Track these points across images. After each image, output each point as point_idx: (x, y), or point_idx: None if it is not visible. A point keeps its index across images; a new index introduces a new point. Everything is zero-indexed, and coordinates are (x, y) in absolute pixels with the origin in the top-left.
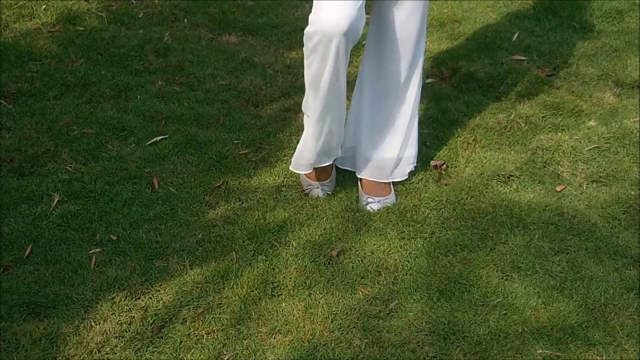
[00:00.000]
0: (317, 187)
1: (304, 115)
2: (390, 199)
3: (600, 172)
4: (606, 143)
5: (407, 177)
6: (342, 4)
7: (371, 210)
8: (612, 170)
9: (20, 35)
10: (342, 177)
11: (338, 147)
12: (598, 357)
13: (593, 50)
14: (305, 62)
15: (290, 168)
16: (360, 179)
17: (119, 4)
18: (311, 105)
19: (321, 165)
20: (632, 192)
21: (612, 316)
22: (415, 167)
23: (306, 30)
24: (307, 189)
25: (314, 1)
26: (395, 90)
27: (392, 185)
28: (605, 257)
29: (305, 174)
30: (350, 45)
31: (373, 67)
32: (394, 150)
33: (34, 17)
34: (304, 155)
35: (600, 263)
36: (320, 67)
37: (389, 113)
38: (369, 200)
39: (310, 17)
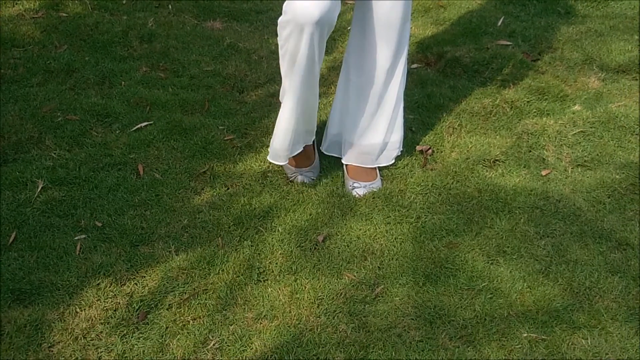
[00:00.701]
0: (301, 174)
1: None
2: (376, 184)
3: (585, 156)
4: (591, 127)
5: (393, 162)
6: None
7: (357, 196)
8: (597, 155)
9: (2, 21)
10: (327, 163)
11: (310, 134)
12: (583, 340)
13: (577, 35)
14: (280, 50)
15: (268, 159)
16: (346, 165)
17: None
18: (287, 91)
19: (297, 153)
20: (617, 176)
21: (597, 299)
22: (401, 152)
23: (280, 19)
24: (292, 176)
25: None
26: (381, 76)
27: (377, 170)
28: (590, 240)
29: (291, 163)
30: (324, 34)
31: (358, 53)
32: (379, 136)
33: (16, 3)
34: (280, 145)
35: (585, 247)
36: (293, 56)
37: (375, 99)
38: (355, 185)
39: (284, 5)
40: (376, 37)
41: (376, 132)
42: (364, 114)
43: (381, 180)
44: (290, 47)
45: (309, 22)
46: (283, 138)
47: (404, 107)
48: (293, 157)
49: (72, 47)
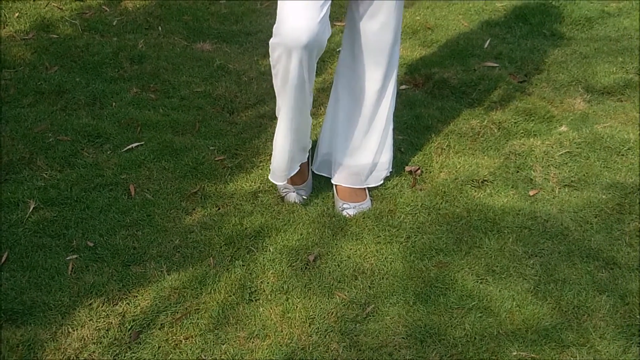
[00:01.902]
0: (293, 191)
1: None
2: (366, 204)
3: (572, 176)
4: (577, 148)
5: (382, 182)
6: (303, 16)
7: (347, 216)
8: (584, 175)
9: None
10: (318, 183)
11: (305, 152)
12: (572, 359)
13: (563, 57)
14: (272, 70)
15: (270, 178)
16: (336, 185)
17: (92, 11)
18: (281, 111)
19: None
20: (603, 196)
21: (585, 318)
22: (390, 172)
23: (270, 41)
24: (284, 193)
25: (277, 13)
26: (370, 98)
27: (367, 191)
28: (578, 260)
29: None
30: (314, 56)
31: (348, 75)
32: (368, 156)
33: (7, 25)
34: (278, 165)
35: (573, 266)
36: (285, 76)
37: (364, 120)
38: (345, 206)
39: (274, 27)
40: (366, 59)
41: (366, 152)
42: (354, 135)
43: (371, 200)
44: (281, 69)
45: (297, 46)
46: (281, 157)
47: (393, 128)
48: None
49: (63, 69)
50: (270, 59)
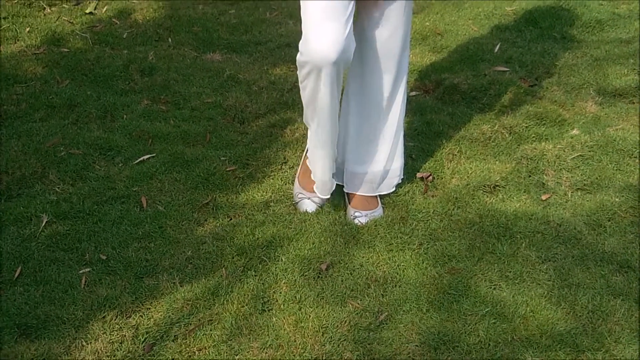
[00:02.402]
0: (307, 198)
1: (309, 133)
2: (378, 212)
3: (584, 180)
4: (589, 151)
5: (394, 189)
6: (330, 34)
7: (359, 224)
8: (596, 178)
9: (4, 58)
10: None
11: (334, 160)
12: None
13: (574, 60)
14: (300, 84)
15: (318, 194)
16: (348, 193)
17: (102, 24)
18: (311, 119)
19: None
20: (617, 199)
21: (600, 322)
22: (401, 179)
23: (297, 57)
24: (298, 199)
25: (302, 29)
26: (380, 105)
27: (379, 199)
28: (592, 264)
29: (302, 185)
30: (342, 70)
31: (358, 83)
32: (380, 164)
33: (18, 40)
34: (323, 176)
35: (587, 270)
36: (314, 90)
37: (375, 127)
38: (357, 214)
39: (300, 45)
40: (374, 67)
41: (377, 160)
42: (365, 143)
43: (382, 208)
44: (310, 84)
45: (326, 64)
46: (322, 170)
47: (404, 135)
48: (307, 181)
49: (74, 82)
50: (298, 72)
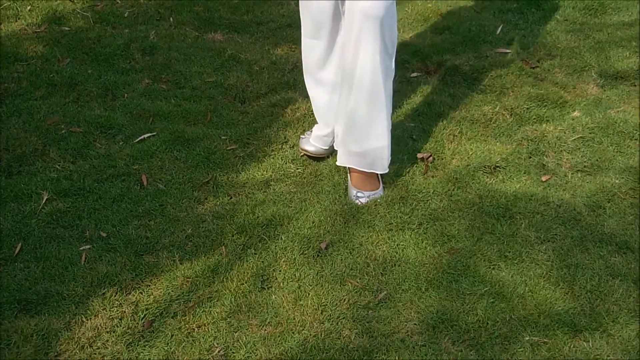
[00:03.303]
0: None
1: None
2: (379, 192)
3: (584, 161)
4: (590, 133)
5: (387, 170)
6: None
7: (359, 204)
8: (597, 160)
9: (5, 36)
10: (329, 170)
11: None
12: (584, 343)
13: (576, 42)
14: None
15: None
16: (350, 172)
17: (104, 3)
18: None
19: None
20: (616, 181)
21: (598, 302)
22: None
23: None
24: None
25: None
26: (359, 83)
27: (380, 179)
28: (591, 245)
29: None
30: None
31: (343, 57)
32: (371, 140)
33: (19, 18)
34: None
35: (586, 251)
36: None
37: (355, 106)
38: (359, 194)
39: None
40: (355, 36)
41: (369, 135)
42: (353, 116)
43: (383, 188)
44: None
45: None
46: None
47: (405, 116)
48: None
49: (75, 61)
50: None
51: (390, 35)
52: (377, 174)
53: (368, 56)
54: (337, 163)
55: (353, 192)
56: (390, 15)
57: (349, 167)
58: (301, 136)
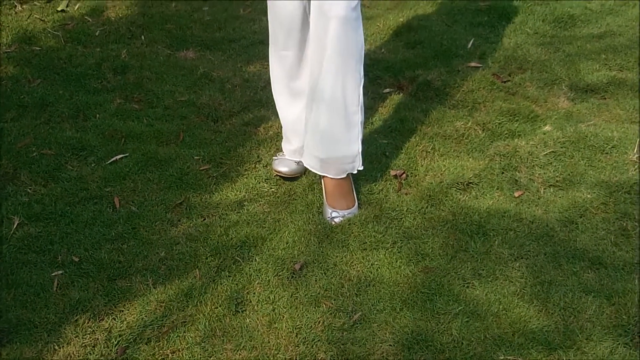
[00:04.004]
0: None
1: None
2: (353, 211)
3: (556, 176)
4: (562, 147)
5: (356, 171)
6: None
7: (333, 223)
8: (569, 175)
9: None
10: (302, 189)
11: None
12: None
13: (547, 56)
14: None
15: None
16: (325, 190)
17: (74, 22)
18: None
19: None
20: (588, 196)
21: (572, 320)
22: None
23: None
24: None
25: None
26: (321, 89)
27: (355, 195)
28: (564, 261)
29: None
30: None
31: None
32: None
33: None
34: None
35: (559, 267)
36: None
37: (317, 113)
38: (334, 214)
39: None
40: (319, 37)
41: (332, 142)
42: (314, 123)
43: (359, 205)
44: None
45: None
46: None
47: (378, 132)
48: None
49: (46, 81)
50: None
51: (355, 38)
52: (353, 189)
53: (332, 58)
54: (305, 164)
55: (328, 212)
56: (355, 17)
57: (323, 181)
58: (274, 157)
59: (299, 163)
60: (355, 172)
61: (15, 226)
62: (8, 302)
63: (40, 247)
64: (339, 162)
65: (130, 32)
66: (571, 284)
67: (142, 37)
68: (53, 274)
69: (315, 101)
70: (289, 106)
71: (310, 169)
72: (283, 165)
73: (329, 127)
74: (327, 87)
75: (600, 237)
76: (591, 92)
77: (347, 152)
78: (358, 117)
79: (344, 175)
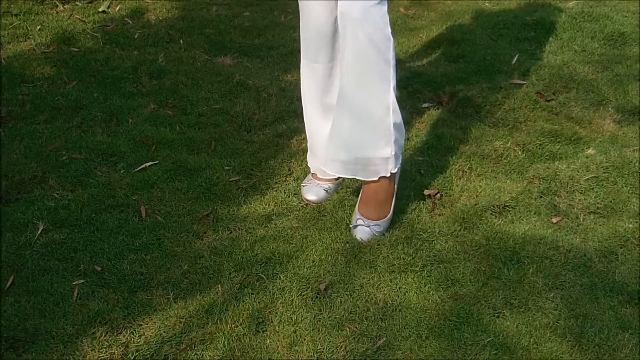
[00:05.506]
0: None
1: None
2: (382, 224)
3: (597, 203)
4: (604, 172)
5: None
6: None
7: (359, 240)
8: (610, 202)
9: (13, 56)
10: (332, 206)
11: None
12: None
13: (594, 75)
14: None
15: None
16: (360, 194)
17: (114, 24)
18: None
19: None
20: (630, 225)
21: (606, 357)
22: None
23: None
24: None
25: None
26: (343, 96)
27: (391, 210)
28: (601, 293)
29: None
30: None
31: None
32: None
33: (28, 38)
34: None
35: (596, 300)
36: None
37: (340, 117)
38: (359, 222)
39: None
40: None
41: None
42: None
43: (389, 219)
44: None
45: None
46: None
47: (416, 150)
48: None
49: (81, 83)
50: None
51: (378, 37)
52: (391, 200)
53: (353, 61)
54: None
55: (354, 218)
56: (376, 16)
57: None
58: (302, 184)
59: (327, 190)
60: (388, 174)
61: (39, 232)
62: (27, 310)
63: (64, 254)
64: (366, 164)
65: (169, 35)
66: (607, 319)
67: (181, 42)
68: (74, 283)
69: (339, 105)
70: (322, 121)
71: (336, 174)
72: (312, 193)
73: (352, 132)
74: (349, 91)
75: None
76: (639, 114)
77: (375, 154)
78: (389, 120)
79: (376, 178)
